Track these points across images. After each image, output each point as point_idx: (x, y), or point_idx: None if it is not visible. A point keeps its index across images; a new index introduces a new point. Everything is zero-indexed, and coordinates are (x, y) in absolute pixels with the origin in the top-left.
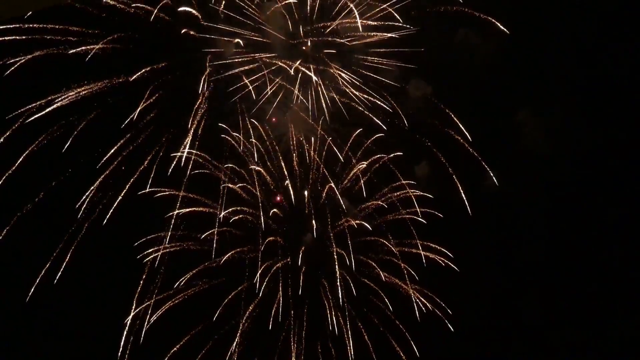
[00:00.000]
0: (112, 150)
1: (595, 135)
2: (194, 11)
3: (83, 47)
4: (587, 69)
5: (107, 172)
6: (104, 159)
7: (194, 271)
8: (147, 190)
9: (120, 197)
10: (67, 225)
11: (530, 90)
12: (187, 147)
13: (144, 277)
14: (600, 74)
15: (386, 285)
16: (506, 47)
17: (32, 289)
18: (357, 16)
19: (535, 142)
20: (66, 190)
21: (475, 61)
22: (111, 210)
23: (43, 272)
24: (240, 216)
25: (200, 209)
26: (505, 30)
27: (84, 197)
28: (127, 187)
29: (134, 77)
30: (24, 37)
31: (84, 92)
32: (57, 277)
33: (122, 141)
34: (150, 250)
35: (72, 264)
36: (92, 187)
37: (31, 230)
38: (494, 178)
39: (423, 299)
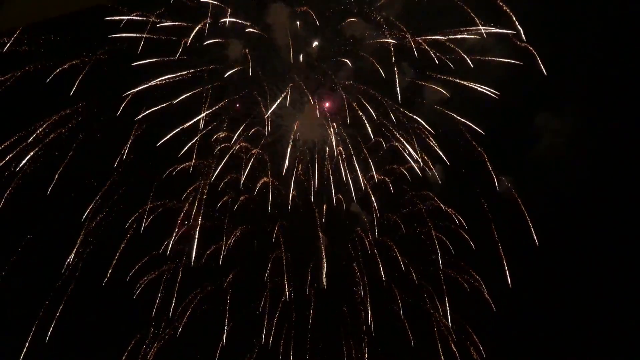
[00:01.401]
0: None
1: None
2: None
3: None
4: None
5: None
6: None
7: (195, 295)
8: (148, 205)
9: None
10: (54, 275)
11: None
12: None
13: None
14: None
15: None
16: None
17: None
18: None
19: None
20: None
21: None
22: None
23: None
24: (245, 228)
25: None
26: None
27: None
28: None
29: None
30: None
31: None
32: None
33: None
34: (146, 278)
35: (63, 316)
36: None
37: (15, 287)
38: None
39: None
